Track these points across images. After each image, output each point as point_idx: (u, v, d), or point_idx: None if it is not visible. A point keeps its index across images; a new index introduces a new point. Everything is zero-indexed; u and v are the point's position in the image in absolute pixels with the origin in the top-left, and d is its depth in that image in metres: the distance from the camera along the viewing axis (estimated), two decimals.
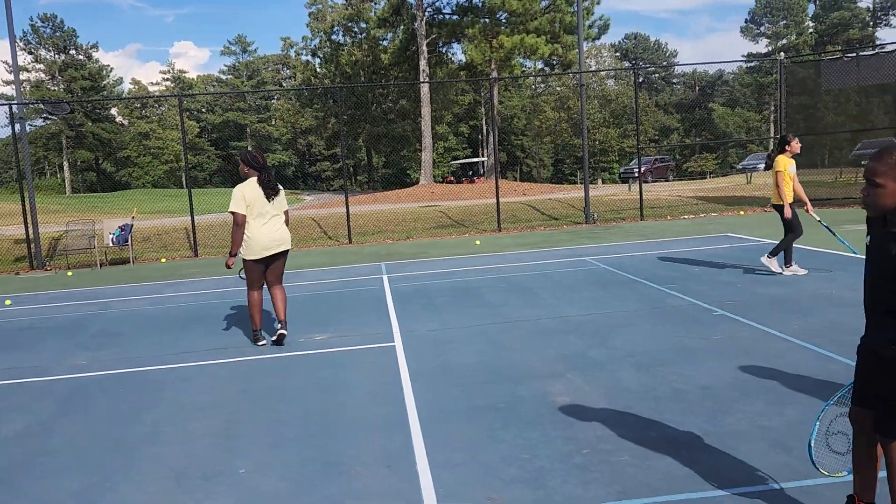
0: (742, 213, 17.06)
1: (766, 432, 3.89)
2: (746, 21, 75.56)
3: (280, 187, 6.52)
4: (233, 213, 6.24)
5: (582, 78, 18.04)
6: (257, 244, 6.30)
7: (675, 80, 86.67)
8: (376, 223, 18.94)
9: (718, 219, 16.20)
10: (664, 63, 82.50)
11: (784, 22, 71.41)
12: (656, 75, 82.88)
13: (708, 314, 6.73)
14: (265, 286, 6.61)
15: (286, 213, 6.61)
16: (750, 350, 5.46)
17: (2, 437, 4.61)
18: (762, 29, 73.83)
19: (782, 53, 19.36)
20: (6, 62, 72.90)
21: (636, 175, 32.13)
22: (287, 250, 6.57)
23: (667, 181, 36.27)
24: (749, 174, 28.81)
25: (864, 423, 2.73)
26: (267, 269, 6.50)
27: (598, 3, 37.88)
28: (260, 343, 6.57)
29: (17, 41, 16.00)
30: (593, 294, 8.11)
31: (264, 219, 6.32)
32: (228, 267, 6.35)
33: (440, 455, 3.88)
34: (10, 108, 15.07)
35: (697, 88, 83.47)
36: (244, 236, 6.30)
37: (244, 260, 6.42)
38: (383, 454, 3.97)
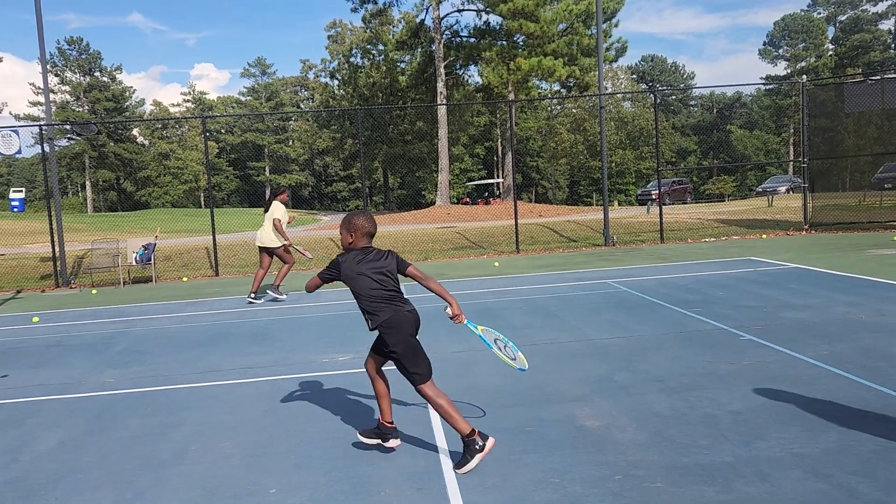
0: (764, 236, 16.95)
1: (801, 459, 3.84)
2: (765, 43, 75.74)
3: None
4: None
5: (602, 100, 18.09)
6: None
7: (692, 103, 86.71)
8: (394, 244, 19.00)
9: (740, 242, 16.10)
10: (682, 85, 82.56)
11: (803, 44, 71.41)
12: (673, 97, 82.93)
13: (735, 338, 6.67)
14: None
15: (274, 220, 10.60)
16: (780, 375, 5.40)
17: (36, 453, 4.64)
18: (781, 51, 73.84)
19: (804, 76, 19.32)
20: (33, 84, 74.42)
21: (653, 197, 32.05)
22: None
23: (685, 203, 36.15)
24: (770, 197, 28.62)
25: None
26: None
27: (616, 26, 38.08)
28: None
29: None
30: (616, 317, 8.07)
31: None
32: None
33: (470, 478, 3.86)
34: (40, 129, 15.34)
35: (715, 111, 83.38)
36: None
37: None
38: (412, 476, 3.95)
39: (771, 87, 71.58)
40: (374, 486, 3.85)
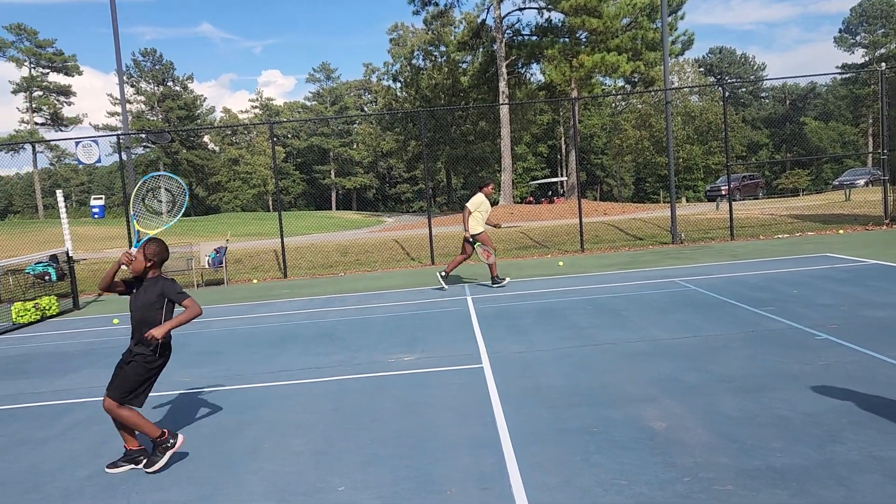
0: (841, 231, 16.28)
1: (881, 463, 3.70)
2: (840, 31, 72.60)
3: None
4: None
5: (667, 95, 17.71)
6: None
7: (763, 94, 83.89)
8: (458, 244, 19.02)
9: (815, 238, 15.51)
10: (752, 77, 80.00)
11: (883, 30, 68.14)
12: (743, 90, 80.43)
13: (809, 338, 6.45)
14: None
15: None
16: (857, 376, 5.20)
17: (119, 450, 4.87)
18: (858, 38, 70.68)
19: (884, 63, 18.45)
20: (110, 95, 77.80)
21: (723, 193, 31.15)
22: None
23: (756, 199, 35.00)
24: (847, 190, 27.43)
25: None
26: None
27: (682, 19, 37.21)
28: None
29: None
30: (684, 317, 7.91)
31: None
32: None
33: (535, 477, 3.86)
34: (118, 139, 16.06)
35: (788, 102, 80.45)
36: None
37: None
38: (477, 475, 3.98)
39: (848, 76, 68.60)
40: (439, 484, 3.89)
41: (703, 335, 6.92)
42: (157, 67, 75.32)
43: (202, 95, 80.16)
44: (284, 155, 79.87)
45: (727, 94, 20.82)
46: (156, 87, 75.36)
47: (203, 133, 76.61)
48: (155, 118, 73.95)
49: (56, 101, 68.77)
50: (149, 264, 4.60)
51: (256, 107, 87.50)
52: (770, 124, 76.29)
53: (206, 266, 15.89)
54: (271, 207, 74.70)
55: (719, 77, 78.47)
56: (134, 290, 4.65)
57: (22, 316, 11.76)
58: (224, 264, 15.83)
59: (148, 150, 72.44)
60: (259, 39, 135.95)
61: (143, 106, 74.47)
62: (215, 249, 16.00)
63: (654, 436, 4.34)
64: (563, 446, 4.29)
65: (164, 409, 5.81)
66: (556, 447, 4.29)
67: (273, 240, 19.31)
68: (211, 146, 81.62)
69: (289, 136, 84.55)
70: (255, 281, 16.02)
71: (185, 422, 5.42)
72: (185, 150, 74.84)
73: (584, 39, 36.09)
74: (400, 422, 5.02)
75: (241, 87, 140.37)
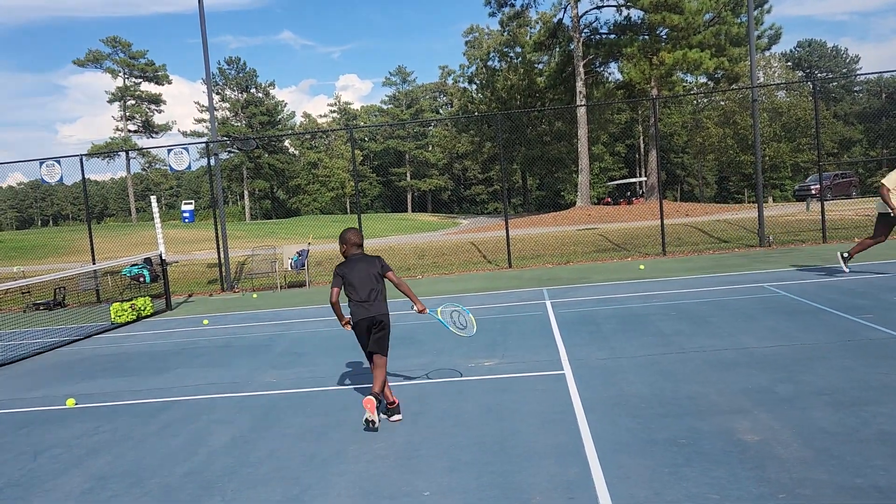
0: None
1: None
2: None
3: None
4: None
5: (754, 93, 17.09)
6: None
7: (856, 88, 79.76)
8: (534, 247, 18.95)
9: None
10: (844, 71, 76.24)
11: None
12: (834, 84, 76.74)
13: None
14: None
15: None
16: None
17: (213, 448, 5.08)
18: None
19: None
20: (197, 103, 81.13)
21: (813, 192, 29.79)
22: None
23: (849, 198, 33.32)
24: None
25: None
26: None
27: (769, 12, 35.78)
28: None
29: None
30: (775, 324, 7.60)
31: None
32: None
33: (622, 489, 3.79)
34: (207, 146, 16.73)
35: (884, 96, 76.20)
36: None
37: None
38: (562, 484, 3.94)
39: None
40: (524, 492, 3.88)
41: (797, 344, 6.63)
42: (240, 75, 78.02)
43: (283, 101, 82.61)
44: (361, 158, 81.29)
45: (818, 89, 19.90)
46: (239, 94, 78.06)
47: (284, 138, 78.84)
48: (238, 124, 76.62)
49: (147, 110, 72.22)
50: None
51: (334, 111, 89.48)
52: (864, 119, 72.42)
53: (289, 268, 16.34)
54: (349, 209, 76.17)
55: (808, 71, 75.12)
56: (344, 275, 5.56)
57: (119, 316, 12.40)
58: (306, 267, 16.23)
59: (232, 154, 75.11)
60: (337, 45, 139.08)
61: (227, 112, 77.29)
62: (297, 252, 16.44)
63: (747, 449, 4.20)
64: (650, 458, 4.20)
65: (252, 410, 6.00)
66: (642, 458, 4.20)
67: None
68: (291, 150, 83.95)
69: (366, 139, 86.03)
70: None
71: (272, 422, 5.59)
72: (266, 155, 77.21)
73: (664, 36, 35.21)
74: (482, 427, 5.03)
75: (319, 92, 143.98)
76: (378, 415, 5.08)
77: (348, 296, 5.50)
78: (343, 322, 5.60)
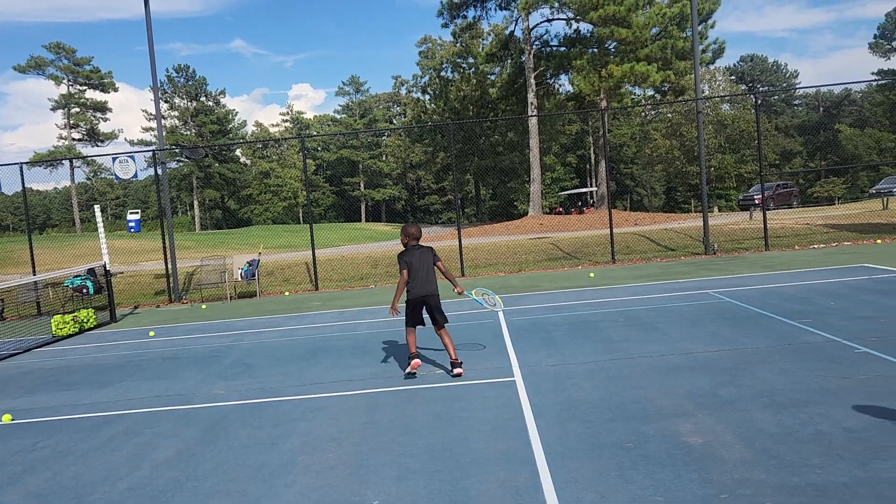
0: (879, 241, 15.94)
1: None
2: (875, 36, 71.28)
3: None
4: None
5: (699, 105, 17.56)
6: None
7: (796, 102, 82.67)
8: (487, 256, 19.06)
9: (852, 248, 15.21)
10: (784, 85, 78.91)
11: None
12: (776, 97, 79.37)
13: (849, 351, 6.32)
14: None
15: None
16: None
17: (157, 462, 4.96)
18: (894, 44, 69.34)
19: None
20: (145, 111, 79.45)
21: (756, 202, 30.69)
22: None
23: (790, 208, 34.45)
24: (885, 199, 26.87)
25: None
26: None
27: (713, 27, 36.86)
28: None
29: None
30: (719, 329, 7.80)
31: None
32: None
33: (569, 493, 3.84)
34: (154, 154, 16.39)
35: (822, 109, 79.13)
36: None
37: None
38: (511, 490, 3.97)
39: (884, 82, 67.21)
40: (473, 499, 3.89)
41: (739, 348, 6.82)
42: (190, 83, 76.68)
43: (234, 110, 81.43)
44: (314, 167, 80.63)
45: (759, 102, 20.55)
46: (189, 103, 76.71)
47: (235, 147, 77.73)
48: (188, 133, 75.25)
49: (93, 118, 70.31)
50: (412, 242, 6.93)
51: (287, 120, 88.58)
52: (803, 132, 75.05)
53: (239, 279, 16.10)
54: (302, 220, 75.44)
55: (751, 85, 77.52)
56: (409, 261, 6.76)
57: (61, 329, 12.02)
58: (256, 277, 16.01)
59: (181, 164, 73.70)
60: (290, 54, 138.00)
61: (176, 121, 75.85)
62: (248, 262, 16.21)
63: (690, 451, 4.29)
64: (598, 461, 4.26)
65: (199, 422, 5.88)
66: (590, 462, 4.26)
67: (304, 252, 19.50)
68: (242, 159, 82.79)
69: (319, 148, 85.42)
70: (286, 293, 16.17)
71: (219, 434, 5.49)
72: (217, 164, 75.99)
73: (613, 49, 35.95)
74: (433, 435, 5.03)
75: (272, 101, 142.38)
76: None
77: (410, 277, 6.72)
78: (392, 309, 6.66)
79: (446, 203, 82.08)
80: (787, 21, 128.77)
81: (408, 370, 6.76)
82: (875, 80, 64.90)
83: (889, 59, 70.77)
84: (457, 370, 6.63)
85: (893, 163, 55.88)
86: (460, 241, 17.09)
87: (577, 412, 5.25)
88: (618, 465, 4.18)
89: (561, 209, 45.19)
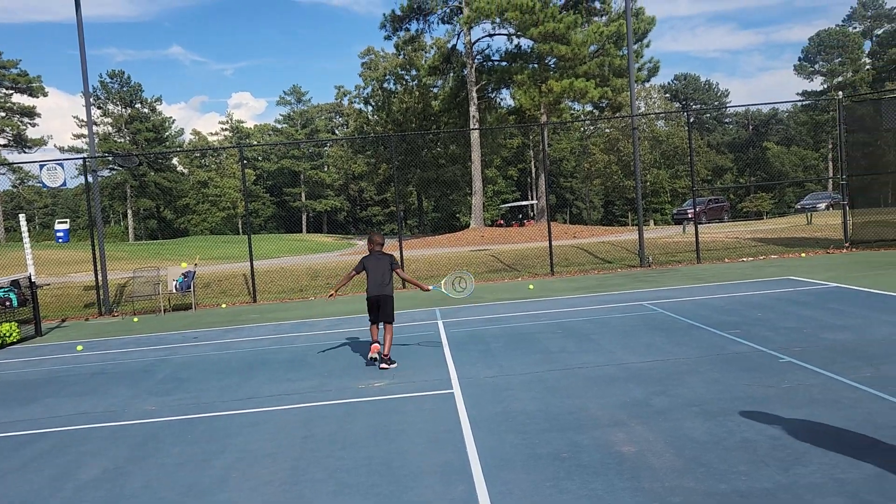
0: (804, 255, 16.65)
1: (843, 486, 3.78)
2: (800, 59, 74.71)
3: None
4: None
5: (634, 121, 18.05)
6: None
7: (727, 120, 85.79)
8: (429, 268, 19.08)
9: (779, 261, 15.84)
10: (716, 103, 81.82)
11: (839, 59, 70.28)
12: (708, 115, 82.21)
13: (774, 361, 6.57)
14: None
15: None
16: (821, 399, 5.31)
17: (82, 482, 4.77)
18: (817, 67, 72.78)
19: (841, 92, 19.06)
20: (76, 117, 76.86)
21: (689, 216, 31.68)
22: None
23: (721, 222, 35.67)
24: (809, 214, 28.10)
25: None
26: None
27: (648, 46, 37.97)
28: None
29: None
30: (652, 340, 8.01)
31: None
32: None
33: None
34: (84, 162, 15.86)
35: (751, 127, 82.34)
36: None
37: None
38: (447, 502, 3.97)
39: (807, 102, 70.48)
40: None
41: (671, 359, 7.01)
42: (124, 89, 74.62)
43: (171, 118, 79.57)
44: (254, 177, 79.37)
45: (692, 119, 21.27)
46: (123, 109, 74.59)
47: (172, 155, 75.88)
48: (122, 140, 73.11)
49: (20, 123, 67.55)
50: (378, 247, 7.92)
51: (226, 129, 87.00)
52: (734, 149, 77.98)
53: (174, 291, 15.68)
54: (241, 230, 74.07)
55: (685, 103, 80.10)
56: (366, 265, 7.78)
57: None
58: (192, 289, 15.63)
59: (114, 172, 71.52)
60: (230, 62, 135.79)
61: (110, 128, 73.61)
62: (183, 274, 15.81)
63: (623, 460, 4.38)
64: (534, 472, 4.31)
65: (128, 440, 5.70)
66: (526, 473, 4.30)
67: (242, 263, 19.12)
68: (180, 168, 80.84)
69: (259, 158, 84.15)
70: (223, 305, 15.83)
71: (150, 452, 5.32)
72: (153, 173, 74.01)
73: (552, 65, 36.64)
74: (370, 449, 5.00)
75: (211, 110, 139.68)
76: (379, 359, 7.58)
77: (367, 278, 7.73)
78: (332, 291, 8.10)
79: (389, 214, 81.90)
80: (719, 42, 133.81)
81: (370, 355, 7.72)
82: (800, 100, 67.96)
83: (812, 80, 74.25)
84: (383, 364, 7.47)
85: (817, 179, 58.45)
86: (402, 253, 17.07)
87: (514, 423, 5.30)
88: (553, 475, 4.24)
89: (502, 221, 45.66)
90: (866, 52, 71.12)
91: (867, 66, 69.37)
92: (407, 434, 5.27)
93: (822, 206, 35.76)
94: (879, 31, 71.49)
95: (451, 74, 42.38)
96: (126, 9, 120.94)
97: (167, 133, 78.28)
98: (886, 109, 17.07)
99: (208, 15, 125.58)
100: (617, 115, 38.12)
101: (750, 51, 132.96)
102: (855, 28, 73.16)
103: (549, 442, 4.82)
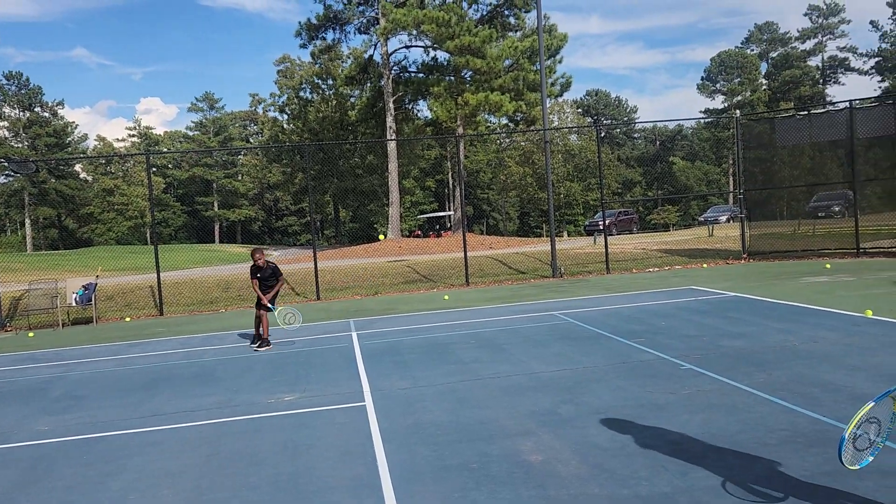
0: (705, 265, 17.44)
1: (739, 486, 3.96)
2: (703, 78, 78.48)
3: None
4: None
5: (546, 135, 18.48)
6: None
7: (636, 135, 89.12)
8: (344, 279, 18.90)
9: (682, 272, 16.52)
10: (625, 119, 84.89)
11: (738, 79, 74.26)
12: (618, 130, 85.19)
13: (675, 368, 6.84)
14: None
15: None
16: (718, 404, 5.56)
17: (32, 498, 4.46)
18: (718, 86, 76.65)
19: (738, 111, 20.14)
20: None
21: (601, 228, 32.70)
22: None
23: (631, 233, 36.94)
24: (711, 227, 29.47)
25: None
26: None
27: (560, 62, 39.05)
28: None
29: None
30: (562, 349, 8.19)
31: None
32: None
33: None
34: None
35: (658, 143, 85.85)
36: None
37: None
38: None
39: (709, 120, 74.13)
40: None
41: (579, 367, 7.18)
42: (23, 91, 70.72)
43: (73, 122, 75.93)
44: (164, 186, 76.60)
45: (603, 134, 21.99)
46: (21, 113, 70.66)
47: (74, 162, 72.34)
48: (20, 145, 69.17)
49: None
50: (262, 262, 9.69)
51: (134, 135, 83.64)
52: (642, 163, 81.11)
53: (74, 304, 14.91)
54: (149, 240, 71.27)
55: (596, 118, 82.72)
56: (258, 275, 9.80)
57: None
58: (93, 301, 14.91)
59: (11, 179, 67.55)
60: (138, 66, 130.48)
61: (6, 132, 69.53)
62: (83, 286, 15.06)
63: (531, 469, 4.45)
64: (443, 483, 4.32)
65: (16, 463, 5.36)
66: (435, 485, 4.31)
67: (149, 275, 18.38)
68: (83, 176, 77.11)
69: (170, 166, 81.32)
70: (127, 319, 15.17)
71: (40, 475, 5.03)
72: (53, 180, 70.29)
73: (468, 78, 37.11)
74: (279, 465, 4.89)
75: (118, 115, 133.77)
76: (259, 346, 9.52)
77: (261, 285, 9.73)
78: (261, 297, 9.76)
79: (305, 224, 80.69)
80: (628, 60, 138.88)
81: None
82: (702, 117, 71.47)
83: (714, 98, 78.14)
84: (264, 348, 9.56)
85: (719, 193, 61.44)
86: (316, 264, 16.85)
87: (425, 435, 5.30)
88: (462, 486, 4.26)
89: (419, 232, 45.79)
90: (763, 73, 75.49)
91: (763, 87, 73.63)
92: (317, 448, 5.18)
93: (724, 218, 37.56)
94: (774, 54, 76.12)
95: (369, 84, 42.25)
96: (26, 8, 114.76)
97: (69, 138, 74.65)
98: (780, 128, 18.15)
99: (115, 16, 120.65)
100: (531, 128, 38.96)
101: (657, 69, 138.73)
102: (752, 50, 77.59)
103: (459, 453, 4.84)
